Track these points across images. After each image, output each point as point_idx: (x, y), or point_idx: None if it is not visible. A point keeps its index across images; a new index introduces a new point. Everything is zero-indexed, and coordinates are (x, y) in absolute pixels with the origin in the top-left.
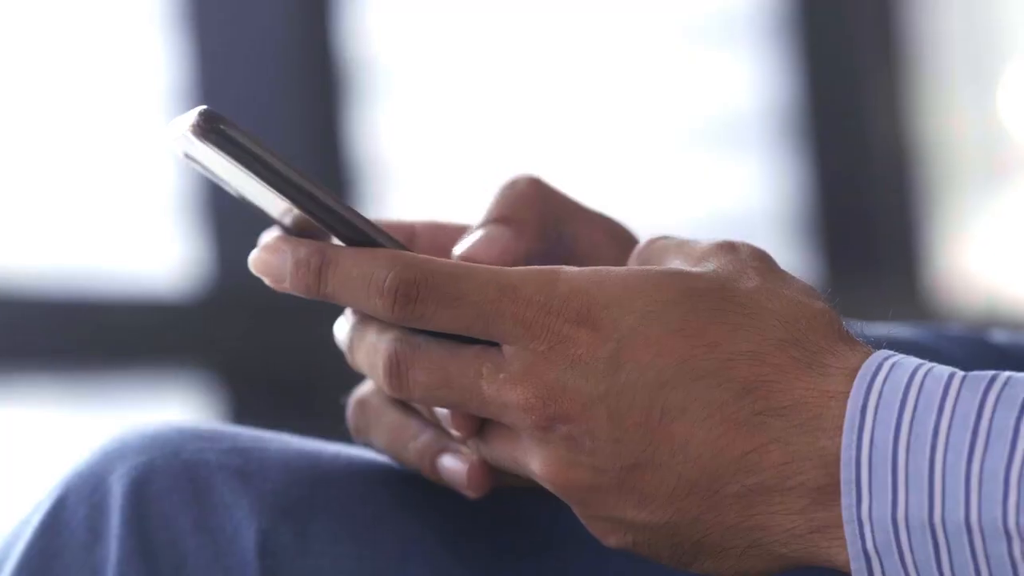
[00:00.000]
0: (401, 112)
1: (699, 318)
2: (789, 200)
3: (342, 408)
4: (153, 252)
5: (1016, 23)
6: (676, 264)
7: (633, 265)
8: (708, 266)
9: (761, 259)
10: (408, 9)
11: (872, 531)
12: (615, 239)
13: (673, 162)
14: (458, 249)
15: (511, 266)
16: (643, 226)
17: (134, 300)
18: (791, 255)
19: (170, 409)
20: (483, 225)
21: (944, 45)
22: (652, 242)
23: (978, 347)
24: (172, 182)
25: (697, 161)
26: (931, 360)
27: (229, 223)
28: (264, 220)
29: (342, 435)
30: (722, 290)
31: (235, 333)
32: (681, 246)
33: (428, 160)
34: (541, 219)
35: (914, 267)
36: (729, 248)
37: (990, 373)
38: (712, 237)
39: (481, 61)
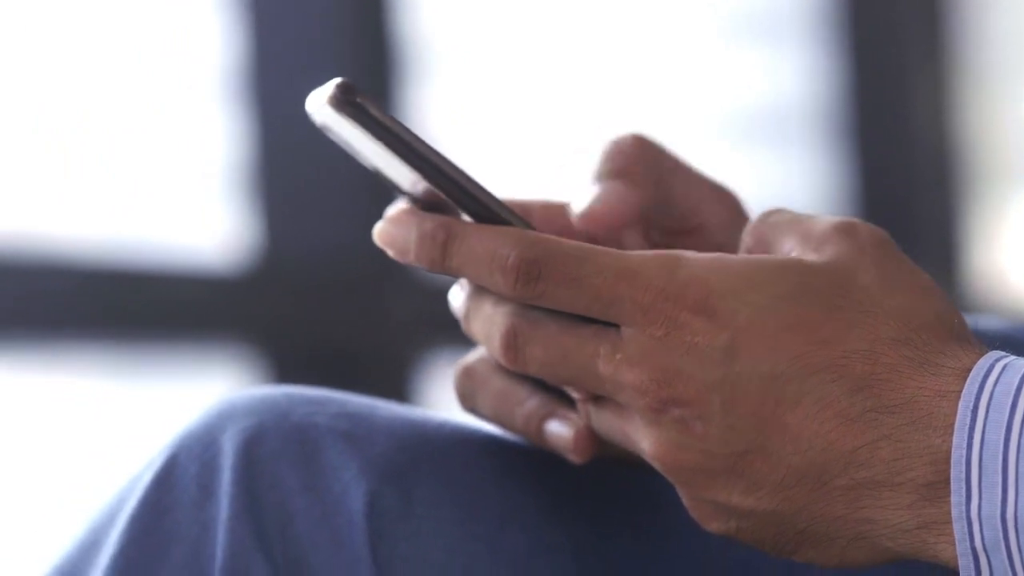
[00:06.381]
0: (450, 93)
1: (814, 314)
2: (831, 195)
3: (385, 384)
4: (202, 225)
5: None
6: (792, 245)
7: (747, 239)
8: (826, 252)
9: (880, 245)
10: None
11: (981, 529)
12: (720, 199)
13: (714, 156)
14: (577, 207)
15: (628, 219)
16: None
17: (181, 272)
18: None
19: (215, 382)
20: (596, 182)
21: (990, 43)
22: (767, 216)
23: None
24: (222, 155)
25: (738, 155)
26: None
27: (278, 198)
28: (327, 199)
29: None
30: (839, 286)
31: (281, 307)
32: (796, 223)
33: (473, 147)
34: (650, 173)
35: (953, 263)
36: (848, 230)
37: None
38: (828, 215)
39: (526, 47)
